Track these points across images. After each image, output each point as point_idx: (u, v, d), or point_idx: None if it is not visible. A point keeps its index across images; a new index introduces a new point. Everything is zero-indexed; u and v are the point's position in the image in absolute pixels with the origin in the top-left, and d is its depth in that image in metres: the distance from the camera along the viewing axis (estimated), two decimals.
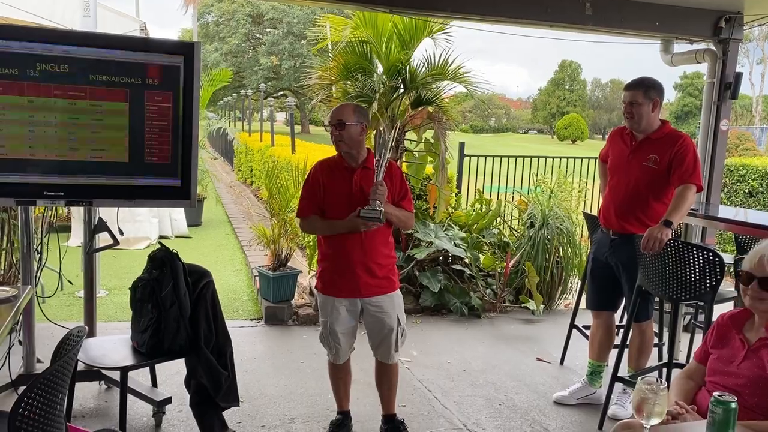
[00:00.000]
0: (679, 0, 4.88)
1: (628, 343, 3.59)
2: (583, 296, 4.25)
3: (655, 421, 1.67)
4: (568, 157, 7.38)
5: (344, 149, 3.02)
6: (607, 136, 3.85)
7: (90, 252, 3.55)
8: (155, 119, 3.28)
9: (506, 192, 6.96)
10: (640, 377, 1.74)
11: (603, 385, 3.81)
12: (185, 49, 3.33)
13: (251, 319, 5.22)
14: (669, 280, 3.21)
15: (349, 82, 5.70)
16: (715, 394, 1.77)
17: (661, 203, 3.43)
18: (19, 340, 3.59)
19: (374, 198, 2.86)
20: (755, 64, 42.71)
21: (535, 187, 6.62)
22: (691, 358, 2.46)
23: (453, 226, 5.92)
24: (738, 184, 7.65)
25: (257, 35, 35.08)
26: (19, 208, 3.38)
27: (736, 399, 1.76)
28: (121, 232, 3.57)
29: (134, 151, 3.29)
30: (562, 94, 57.49)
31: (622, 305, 4.09)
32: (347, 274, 3.02)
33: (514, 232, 6.33)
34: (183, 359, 3.12)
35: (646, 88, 3.42)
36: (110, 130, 3.26)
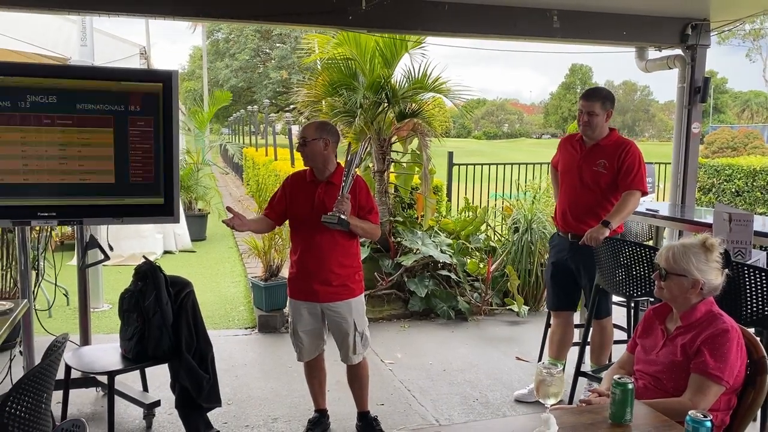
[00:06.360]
0: (645, 9, 5.07)
1: (589, 339, 3.78)
2: None
3: (551, 401, 1.87)
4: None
5: (308, 164, 3.28)
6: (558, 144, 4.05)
7: (83, 267, 3.82)
8: (138, 143, 3.55)
9: (495, 198, 7.16)
10: (540, 363, 1.94)
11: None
12: (164, 77, 3.59)
13: (245, 328, 5.46)
14: (621, 277, 3.40)
15: (336, 98, 5.95)
16: (615, 377, 1.97)
17: (615, 203, 3.64)
18: (20, 351, 3.87)
19: (338, 209, 3.09)
20: None
21: (524, 193, 6.82)
22: (624, 349, 2.65)
23: (440, 233, 6.13)
24: (725, 183, 7.77)
25: (266, 50, 35.58)
26: (15, 228, 3.66)
27: (633, 380, 1.96)
28: (111, 248, 3.83)
29: (120, 173, 3.56)
30: (573, 98, 57.39)
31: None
32: (305, 280, 3.28)
33: (501, 237, 6.52)
34: (167, 364, 3.37)
35: (603, 100, 3.64)
36: (97, 155, 3.53)
